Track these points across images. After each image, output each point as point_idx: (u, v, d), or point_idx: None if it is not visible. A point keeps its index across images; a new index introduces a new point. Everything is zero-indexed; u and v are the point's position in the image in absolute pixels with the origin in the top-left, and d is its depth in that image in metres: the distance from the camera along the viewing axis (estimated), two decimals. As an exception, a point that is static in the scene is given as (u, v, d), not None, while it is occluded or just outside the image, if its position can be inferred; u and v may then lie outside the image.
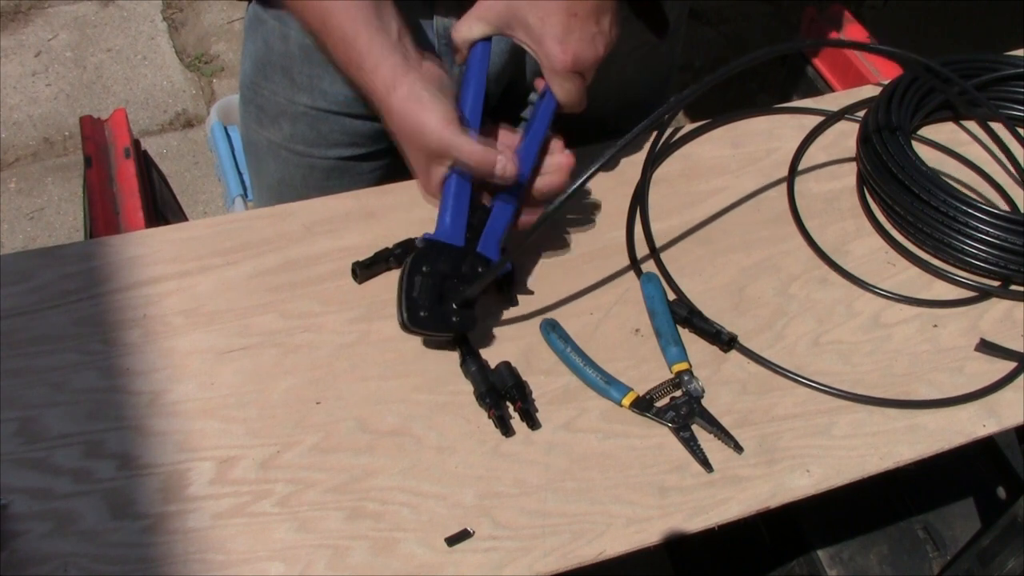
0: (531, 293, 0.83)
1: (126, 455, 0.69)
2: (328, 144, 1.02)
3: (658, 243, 0.87)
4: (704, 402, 0.75)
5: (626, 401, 0.74)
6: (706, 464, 0.71)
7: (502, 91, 0.99)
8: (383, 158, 1.03)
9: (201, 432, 0.71)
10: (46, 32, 2.59)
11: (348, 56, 0.78)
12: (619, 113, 1.03)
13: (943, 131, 1.01)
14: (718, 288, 0.84)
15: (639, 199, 0.90)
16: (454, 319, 0.74)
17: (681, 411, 0.74)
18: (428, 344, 0.77)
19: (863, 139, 0.94)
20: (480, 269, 0.76)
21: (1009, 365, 0.79)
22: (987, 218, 0.84)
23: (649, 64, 1.02)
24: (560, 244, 0.87)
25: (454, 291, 0.74)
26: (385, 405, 0.74)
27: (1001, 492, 1.09)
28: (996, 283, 0.86)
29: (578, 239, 0.87)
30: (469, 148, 0.76)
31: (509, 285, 0.82)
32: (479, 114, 0.80)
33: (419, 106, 0.76)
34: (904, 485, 1.05)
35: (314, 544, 0.65)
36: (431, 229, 0.82)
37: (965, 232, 0.85)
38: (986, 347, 0.80)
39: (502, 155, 0.77)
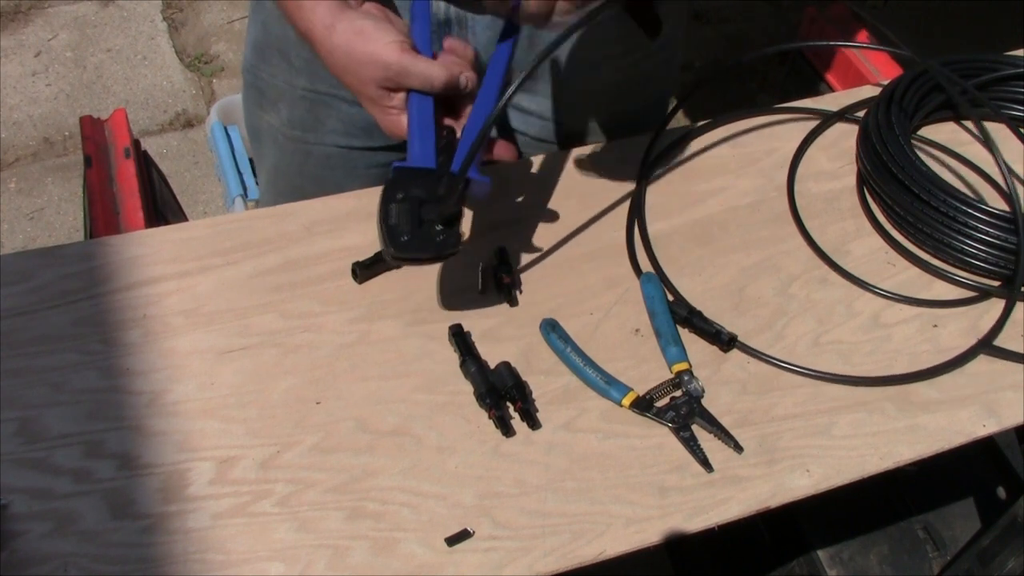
0: (531, 293, 0.83)
1: (126, 455, 0.69)
2: (324, 130, 1.02)
3: (658, 243, 0.87)
4: (704, 402, 0.75)
5: (626, 401, 0.74)
6: (706, 464, 0.71)
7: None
8: (379, 154, 1.03)
9: (201, 432, 0.71)
10: (46, 32, 2.59)
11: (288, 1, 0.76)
12: (610, 123, 1.03)
13: (943, 131, 1.01)
14: (718, 288, 0.84)
15: (639, 199, 0.90)
16: (438, 239, 0.72)
17: (681, 411, 0.74)
18: (413, 265, 0.75)
19: (863, 139, 0.94)
20: (455, 186, 0.73)
21: (1013, 366, 0.79)
22: (987, 218, 0.84)
23: (644, 71, 1.02)
24: (560, 244, 0.87)
25: (433, 212, 0.72)
26: (385, 405, 0.74)
27: (1001, 492, 1.09)
28: (996, 283, 0.86)
29: (578, 239, 0.87)
30: (426, 65, 0.74)
31: (509, 285, 0.82)
32: (428, 44, 0.79)
33: (362, 38, 0.74)
34: (904, 485, 1.05)
35: (314, 544, 0.65)
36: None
37: (965, 232, 0.85)
38: (982, 347, 0.80)
39: (465, 69, 0.76)
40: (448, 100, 0.78)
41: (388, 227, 0.71)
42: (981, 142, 0.99)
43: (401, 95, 0.76)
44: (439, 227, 0.72)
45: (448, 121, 0.78)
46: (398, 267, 0.79)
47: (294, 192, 0.89)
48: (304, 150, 1.04)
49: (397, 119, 0.77)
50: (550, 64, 0.97)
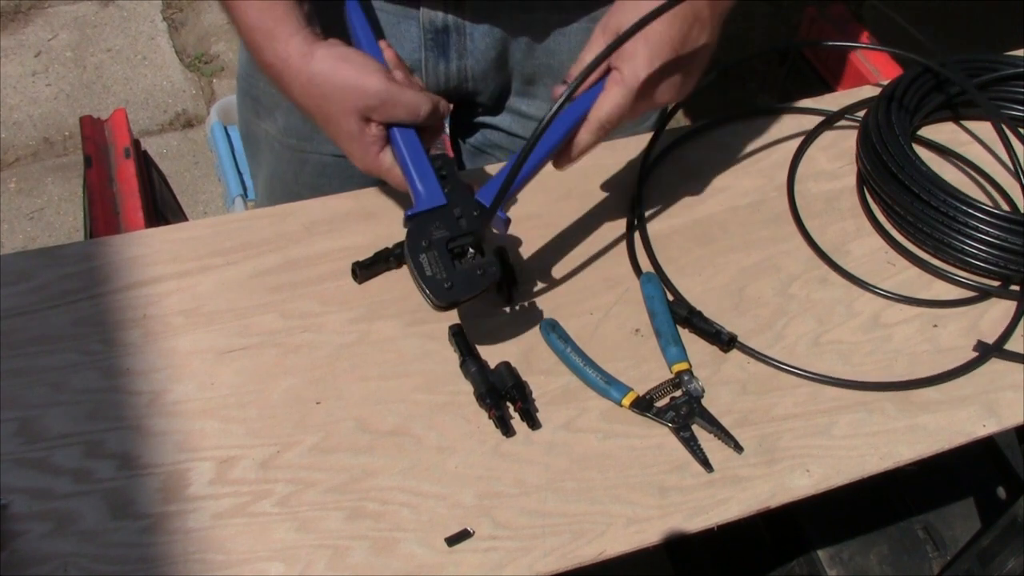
0: (531, 293, 0.83)
1: (126, 455, 0.69)
2: (320, 139, 1.02)
3: (658, 243, 0.87)
4: (704, 402, 0.75)
5: (626, 401, 0.74)
6: (706, 464, 0.71)
7: (494, 91, 0.99)
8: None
9: (201, 432, 0.71)
10: (46, 32, 2.59)
11: (259, 22, 0.74)
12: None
13: (943, 131, 1.01)
14: (718, 288, 0.84)
15: (639, 199, 0.90)
16: (478, 272, 0.72)
17: (681, 411, 0.74)
18: (464, 304, 0.74)
19: (863, 139, 0.94)
20: (475, 213, 0.73)
21: (1013, 366, 0.79)
22: (987, 218, 0.84)
23: None
24: (560, 244, 0.87)
25: (463, 246, 0.72)
26: (385, 405, 0.74)
27: (1001, 492, 1.09)
28: (996, 283, 0.86)
29: (578, 239, 0.87)
30: (412, 94, 0.73)
31: (509, 285, 0.82)
32: (375, 46, 0.79)
33: (347, 64, 0.73)
34: (904, 485, 1.05)
35: (314, 544, 0.65)
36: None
37: (965, 232, 0.85)
38: (981, 347, 0.80)
39: (440, 98, 0.75)
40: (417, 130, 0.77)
41: (427, 280, 0.71)
42: (981, 142, 0.99)
43: (377, 129, 0.75)
44: (472, 259, 0.72)
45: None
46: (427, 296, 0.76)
47: (290, 199, 0.89)
48: (300, 158, 1.04)
49: (376, 155, 0.75)
50: (549, 69, 0.97)
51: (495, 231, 0.77)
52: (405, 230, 0.74)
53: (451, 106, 0.76)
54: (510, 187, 0.72)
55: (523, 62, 0.97)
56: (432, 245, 0.72)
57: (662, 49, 0.73)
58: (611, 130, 0.76)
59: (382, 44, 0.80)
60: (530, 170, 0.75)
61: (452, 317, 0.79)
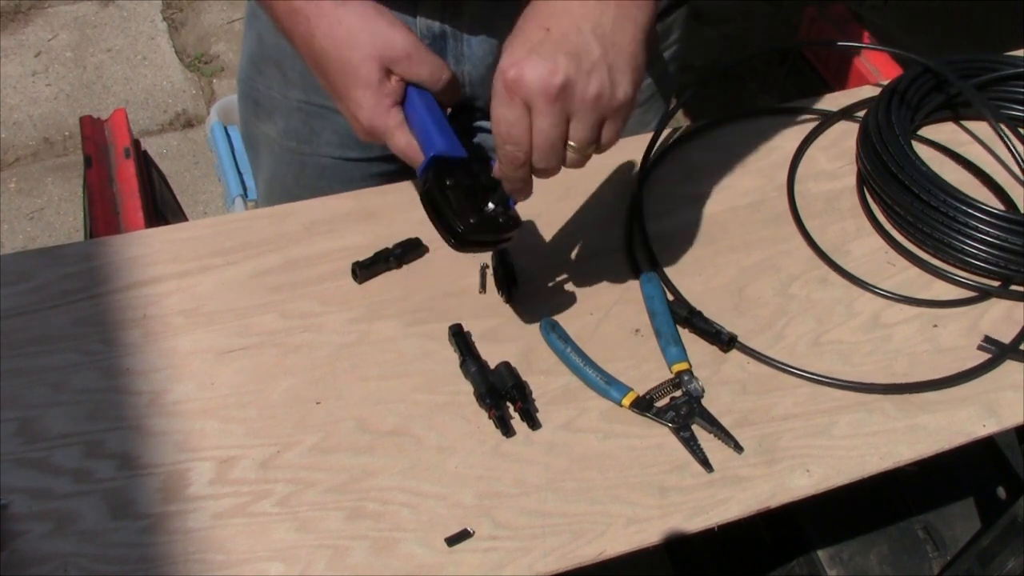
0: (531, 293, 0.83)
1: (126, 455, 0.69)
2: (320, 141, 1.02)
3: (658, 243, 0.87)
4: (704, 402, 0.75)
5: (626, 401, 0.74)
6: (706, 464, 0.71)
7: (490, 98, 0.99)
8: (374, 164, 1.04)
9: (201, 432, 0.71)
10: (46, 32, 2.59)
11: None
12: None
13: (943, 131, 1.01)
14: (718, 288, 0.84)
15: (639, 199, 0.90)
16: (501, 219, 0.69)
17: (681, 411, 0.74)
18: (475, 249, 0.71)
19: (863, 139, 0.94)
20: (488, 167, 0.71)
21: (1014, 366, 0.79)
22: (987, 218, 0.84)
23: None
24: (560, 244, 0.87)
25: (483, 197, 0.69)
26: (385, 405, 0.74)
27: (1001, 492, 1.09)
28: (996, 283, 0.86)
29: (578, 239, 0.87)
30: (438, 58, 0.72)
31: (509, 285, 0.82)
32: None
33: (381, 16, 0.71)
34: (904, 485, 1.05)
35: (314, 544, 0.65)
36: (431, 229, 0.82)
37: (965, 232, 0.85)
38: (987, 342, 0.80)
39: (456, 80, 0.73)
40: None
41: (452, 211, 0.67)
42: (981, 142, 0.99)
43: (397, 83, 0.72)
44: (497, 208, 0.69)
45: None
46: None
47: (291, 201, 0.89)
48: (300, 161, 1.04)
49: (387, 108, 0.72)
50: None
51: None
52: (421, 175, 0.71)
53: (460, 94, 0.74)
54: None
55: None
56: (453, 187, 0.69)
57: (548, 35, 0.62)
58: (515, 149, 0.64)
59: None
60: None
61: (452, 317, 0.79)
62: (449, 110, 0.76)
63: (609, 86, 0.63)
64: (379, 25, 0.71)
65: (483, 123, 1.04)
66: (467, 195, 0.69)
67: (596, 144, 0.66)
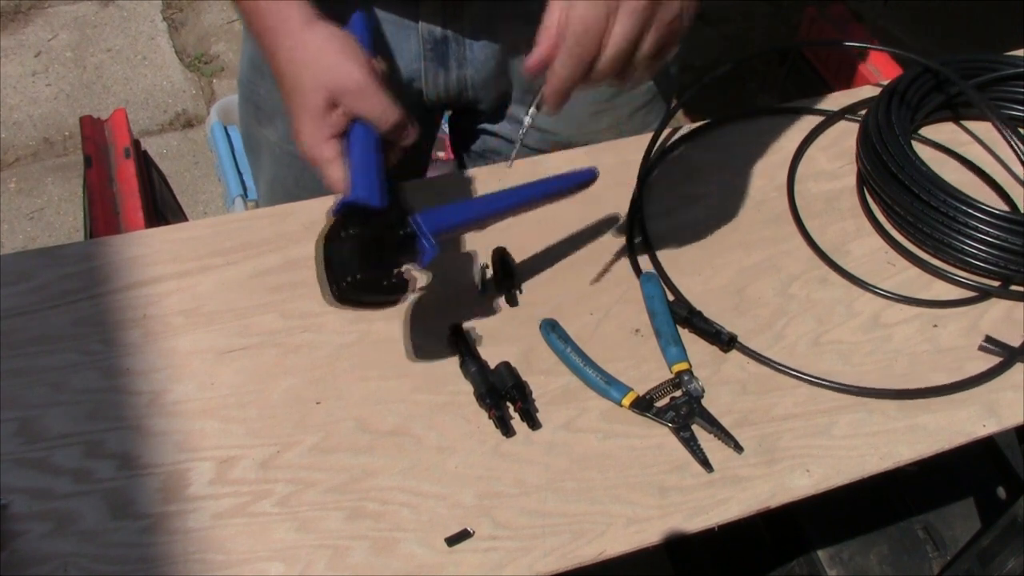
0: (531, 293, 0.83)
1: (126, 455, 0.69)
2: None
3: (658, 243, 0.87)
4: (704, 402, 0.75)
5: (626, 401, 0.74)
6: (706, 464, 0.71)
7: (494, 99, 0.99)
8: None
9: (201, 432, 0.71)
10: (46, 32, 2.59)
11: None
12: (609, 130, 1.02)
13: (943, 131, 1.01)
14: (718, 288, 0.84)
15: (639, 199, 0.90)
16: (389, 281, 0.65)
17: (681, 411, 0.74)
18: (369, 308, 0.69)
19: (863, 139, 0.94)
20: (403, 232, 0.67)
21: (1015, 366, 0.79)
22: (987, 218, 0.84)
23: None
24: (560, 244, 0.87)
25: (383, 255, 0.66)
26: (385, 405, 0.74)
27: (1001, 492, 1.09)
28: (996, 283, 0.86)
29: (578, 239, 0.87)
30: (387, 99, 0.70)
31: (509, 285, 0.82)
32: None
33: (340, 43, 0.71)
34: (904, 485, 1.05)
35: (314, 544, 0.65)
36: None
37: (965, 232, 0.85)
38: (989, 342, 0.80)
39: (412, 124, 0.71)
40: None
41: (336, 264, 0.64)
42: (981, 142, 0.99)
43: (339, 117, 0.71)
44: (387, 267, 0.66)
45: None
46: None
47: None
48: (301, 164, 1.03)
49: (324, 139, 0.71)
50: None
51: (419, 263, 0.69)
52: (330, 216, 0.68)
53: (415, 135, 0.73)
54: (454, 222, 0.69)
55: (523, 71, 0.96)
56: (353, 237, 0.66)
57: None
58: (587, 49, 0.62)
59: (377, 59, 0.77)
60: (478, 215, 0.72)
61: (452, 317, 0.79)
62: (418, 134, 0.73)
63: (683, 9, 0.64)
64: (337, 56, 0.70)
65: (487, 126, 1.04)
66: (364, 249, 0.66)
67: (651, 61, 0.65)
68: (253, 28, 0.76)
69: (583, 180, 0.78)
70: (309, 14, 0.73)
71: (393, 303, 0.68)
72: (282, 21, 0.73)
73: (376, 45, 0.82)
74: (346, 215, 0.67)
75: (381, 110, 0.70)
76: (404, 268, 0.67)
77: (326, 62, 0.70)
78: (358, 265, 0.65)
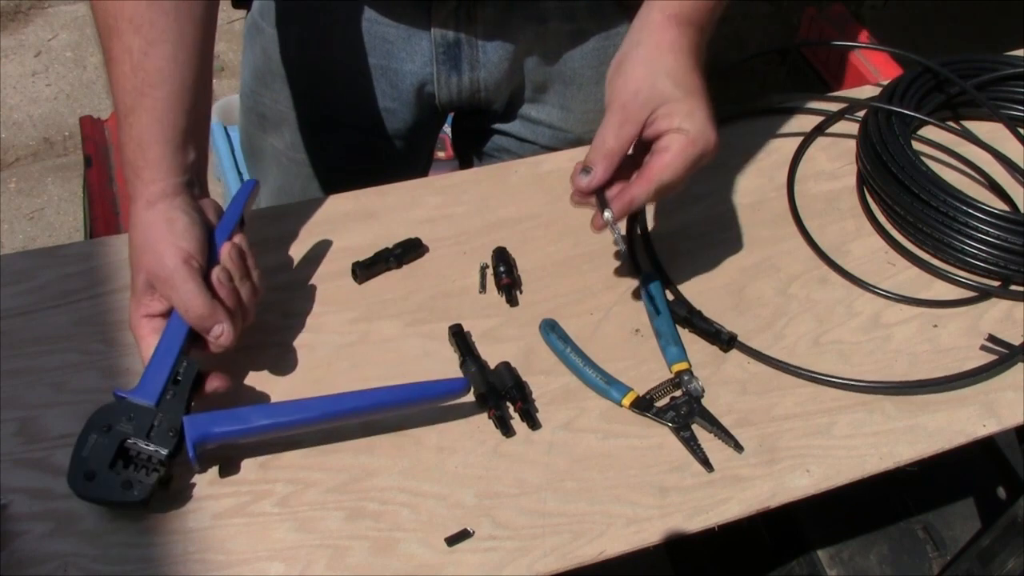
0: (531, 293, 0.82)
1: (126, 455, 0.69)
2: (327, 154, 1.02)
3: (658, 243, 0.87)
4: (704, 402, 0.75)
5: (626, 401, 0.74)
6: (706, 464, 0.71)
7: (506, 99, 0.99)
8: (382, 175, 1.04)
9: (201, 432, 0.71)
10: (46, 32, 2.59)
11: (135, 154, 0.70)
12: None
13: (943, 131, 1.01)
14: (718, 288, 0.84)
15: (639, 199, 0.90)
16: (125, 486, 0.64)
17: (681, 411, 0.74)
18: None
19: (863, 139, 0.94)
20: (171, 434, 0.66)
21: (1015, 366, 0.79)
22: (987, 218, 0.84)
23: None
24: (560, 244, 0.87)
25: (137, 455, 0.65)
26: (385, 405, 0.74)
27: (1001, 492, 1.09)
28: (996, 283, 0.86)
29: (578, 239, 0.87)
30: (195, 291, 0.67)
31: (509, 286, 0.82)
32: (224, 235, 0.72)
33: (166, 229, 0.68)
34: (904, 485, 1.05)
35: (314, 544, 0.65)
36: (430, 229, 0.82)
37: (965, 232, 0.85)
38: (992, 341, 0.80)
39: (226, 322, 0.68)
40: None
41: (78, 459, 0.64)
42: (981, 142, 0.99)
43: (158, 302, 0.69)
44: (134, 471, 0.65)
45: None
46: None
47: None
48: (307, 173, 1.04)
49: (138, 319, 0.70)
50: (561, 75, 0.97)
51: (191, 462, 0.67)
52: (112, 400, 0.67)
53: (231, 335, 0.69)
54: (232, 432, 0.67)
55: (535, 71, 0.96)
56: (109, 433, 0.65)
57: (709, 103, 0.71)
58: (666, 194, 0.72)
59: (235, 239, 0.73)
60: (253, 431, 0.68)
61: (452, 317, 0.79)
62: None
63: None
64: (158, 242, 0.68)
65: (499, 125, 1.03)
66: (111, 446, 0.64)
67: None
68: (124, 176, 0.73)
69: (448, 392, 0.71)
70: (157, 193, 0.70)
71: (129, 507, 0.65)
72: (133, 198, 0.71)
73: (242, 223, 0.76)
74: (112, 408, 0.66)
75: (183, 302, 0.67)
76: (143, 476, 0.65)
77: (149, 246, 0.69)
78: (101, 463, 0.64)
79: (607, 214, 0.71)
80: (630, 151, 0.73)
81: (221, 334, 0.69)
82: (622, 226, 0.79)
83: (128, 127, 0.70)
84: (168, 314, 0.70)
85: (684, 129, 0.70)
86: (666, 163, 0.71)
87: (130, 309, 0.71)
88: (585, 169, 0.71)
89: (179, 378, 0.68)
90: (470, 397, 0.73)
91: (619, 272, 0.85)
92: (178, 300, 0.68)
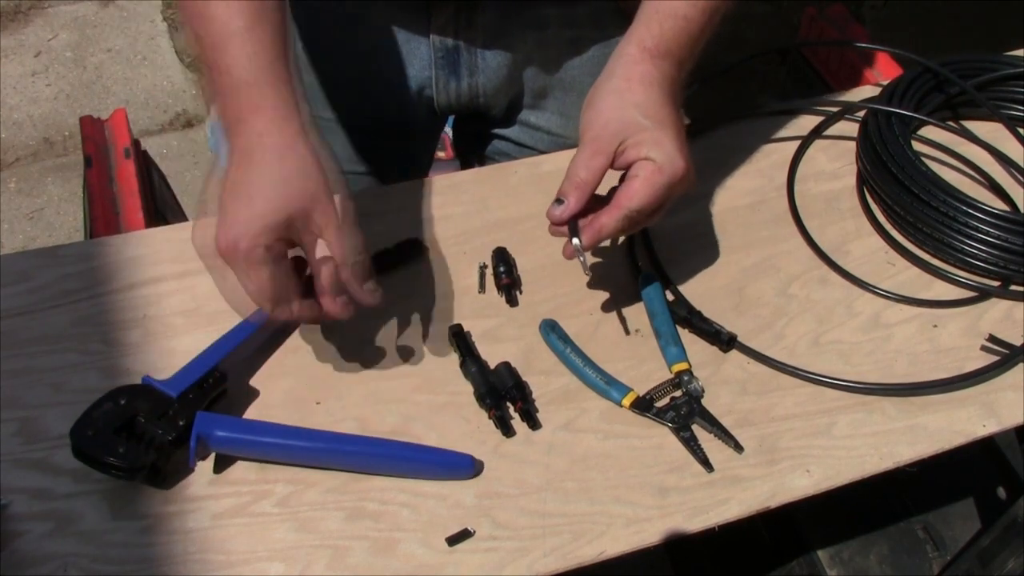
0: (531, 293, 0.82)
1: (126, 455, 0.69)
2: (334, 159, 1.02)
3: (658, 243, 0.87)
4: (704, 402, 0.75)
5: (626, 401, 0.74)
6: (706, 464, 0.71)
7: (505, 105, 0.99)
8: (383, 176, 1.04)
9: (201, 432, 0.71)
10: (46, 32, 2.59)
11: (266, 62, 0.65)
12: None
13: (943, 131, 1.01)
14: (718, 288, 0.84)
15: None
16: (117, 453, 0.65)
17: (681, 411, 0.74)
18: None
19: (863, 139, 0.94)
20: (172, 435, 0.67)
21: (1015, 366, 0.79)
22: (987, 218, 0.84)
23: None
24: (560, 244, 0.87)
25: (142, 434, 0.67)
26: (385, 405, 0.74)
27: (1001, 492, 1.09)
28: (996, 283, 0.86)
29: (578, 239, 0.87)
30: (358, 236, 0.65)
31: (509, 286, 0.82)
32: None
33: (321, 156, 0.65)
34: (904, 485, 1.05)
35: (314, 544, 0.65)
36: (431, 229, 0.82)
37: (965, 232, 0.85)
38: (993, 341, 0.80)
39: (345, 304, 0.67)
40: None
41: (87, 415, 0.66)
42: (981, 142, 0.99)
43: (282, 246, 0.65)
44: (131, 443, 0.66)
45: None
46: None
47: None
48: None
49: (263, 252, 0.64)
50: (561, 82, 0.97)
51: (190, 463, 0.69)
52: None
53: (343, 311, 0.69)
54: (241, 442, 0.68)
55: (535, 78, 0.96)
56: (123, 405, 0.67)
57: (681, 133, 0.71)
58: (637, 225, 0.72)
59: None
60: (258, 445, 0.69)
61: (452, 317, 0.79)
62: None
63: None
64: (313, 163, 0.65)
65: (499, 130, 1.03)
66: (120, 422, 0.66)
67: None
68: (215, 83, 0.67)
69: (452, 467, 0.70)
70: (307, 120, 0.66)
71: (117, 476, 0.66)
72: (270, 115, 0.65)
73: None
74: (135, 388, 0.69)
75: (348, 239, 0.66)
76: (138, 449, 0.66)
77: (313, 176, 0.65)
78: (104, 428, 0.66)
79: (575, 241, 0.71)
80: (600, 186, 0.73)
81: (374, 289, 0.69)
82: (589, 256, 0.81)
83: (244, 43, 0.64)
84: (281, 259, 0.65)
85: (651, 158, 0.70)
86: (634, 190, 0.71)
87: (239, 225, 0.64)
88: (558, 200, 0.72)
89: (206, 385, 0.70)
90: (470, 397, 0.73)
91: (619, 272, 0.85)
92: (338, 238, 0.64)
